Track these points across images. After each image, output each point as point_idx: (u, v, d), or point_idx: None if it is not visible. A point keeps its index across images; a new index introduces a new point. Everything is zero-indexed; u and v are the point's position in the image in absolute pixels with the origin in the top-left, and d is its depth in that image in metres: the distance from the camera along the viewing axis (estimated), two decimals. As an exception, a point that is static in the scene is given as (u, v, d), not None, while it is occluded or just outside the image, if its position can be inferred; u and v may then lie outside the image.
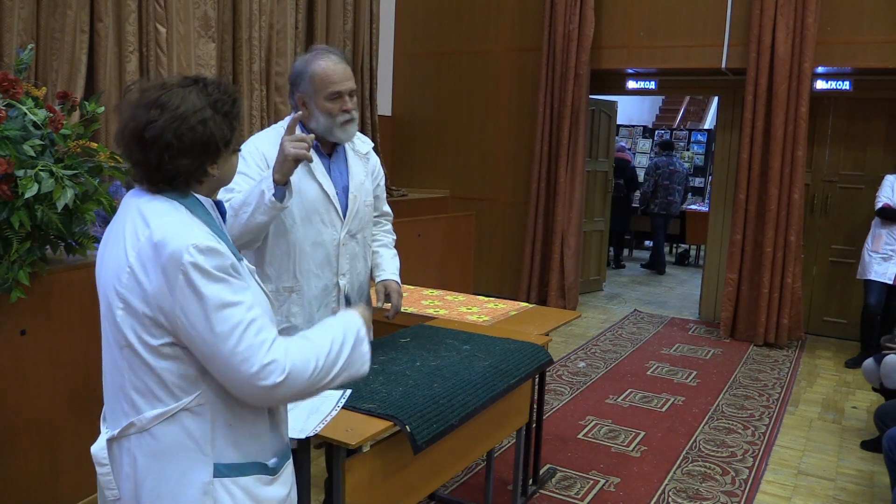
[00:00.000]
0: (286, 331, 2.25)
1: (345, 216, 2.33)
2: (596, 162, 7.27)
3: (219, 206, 1.50)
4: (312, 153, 2.15)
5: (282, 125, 2.30)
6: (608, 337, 5.90)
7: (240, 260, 1.44)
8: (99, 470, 1.45)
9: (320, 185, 2.27)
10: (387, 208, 2.63)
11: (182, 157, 1.36)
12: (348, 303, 2.40)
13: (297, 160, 2.01)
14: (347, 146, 2.39)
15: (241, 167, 2.08)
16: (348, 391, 2.02)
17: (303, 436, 1.75)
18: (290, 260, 2.26)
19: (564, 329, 5.84)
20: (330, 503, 2.57)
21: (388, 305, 2.45)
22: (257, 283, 1.48)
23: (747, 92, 5.68)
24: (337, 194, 2.31)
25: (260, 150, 2.24)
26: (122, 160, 2.44)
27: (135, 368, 1.37)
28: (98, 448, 1.45)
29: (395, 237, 2.66)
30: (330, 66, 2.20)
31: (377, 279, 2.49)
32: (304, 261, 2.28)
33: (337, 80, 2.20)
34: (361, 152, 2.44)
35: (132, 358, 1.36)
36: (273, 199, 1.99)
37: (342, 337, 1.47)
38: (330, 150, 2.36)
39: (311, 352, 1.39)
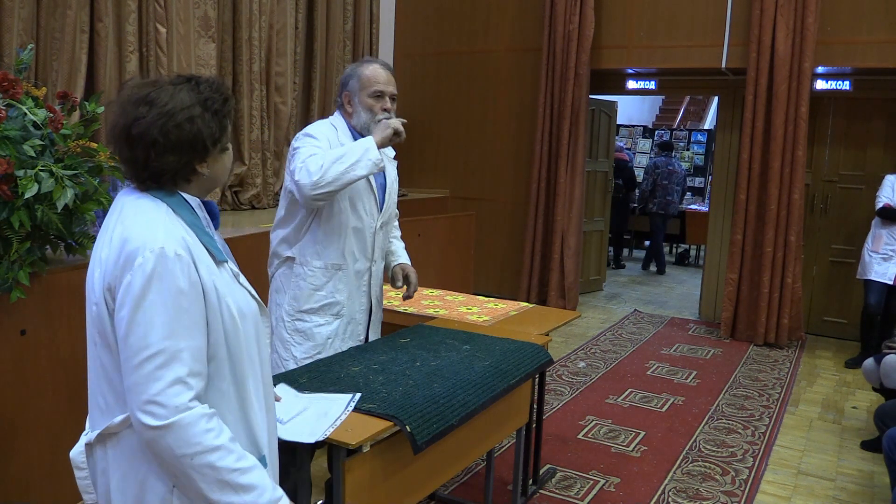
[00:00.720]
0: (329, 306, 2.51)
1: (381, 208, 2.60)
2: (596, 162, 7.26)
3: (208, 206, 1.47)
4: None
5: (329, 121, 2.55)
6: (608, 337, 5.90)
7: (220, 262, 1.40)
8: (77, 474, 1.43)
9: (367, 177, 2.49)
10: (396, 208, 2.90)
11: (168, 155, 1.34)
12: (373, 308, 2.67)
13: (396, 132, 2.36)
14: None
15: (314, 143, 2.41)
16: (358, 394, 2.00)
17: (313, 440, 1.75)
18: (339, 239, 2.51)
19: (564, 329, 5.84)
20: (330, 503, 2.57)
21: (403, 289, 2.71)
22: (242, 287, 1.44)
23: (747, 92, 5.68)
24: (376, 189, 2.58)
25: (323, 134, 2.48)
26: (119, 159, 2.44)
27: (105, 366, 1.36)
28: (76, 452, 1.43)
29: (400, 233, 2.91)
30: (377, 69, 2.51)
31: (393, 264, 2.77)
32: (349, 243, 2.53)
33: (381, 81, 2.49)
34: (390, 156, 2.72)
35: (105, 355, 1.35)
36: (378, 156, 2.30)
37: (241, 490, 1.30)
38: None
39: (211, 443, 1.27)
